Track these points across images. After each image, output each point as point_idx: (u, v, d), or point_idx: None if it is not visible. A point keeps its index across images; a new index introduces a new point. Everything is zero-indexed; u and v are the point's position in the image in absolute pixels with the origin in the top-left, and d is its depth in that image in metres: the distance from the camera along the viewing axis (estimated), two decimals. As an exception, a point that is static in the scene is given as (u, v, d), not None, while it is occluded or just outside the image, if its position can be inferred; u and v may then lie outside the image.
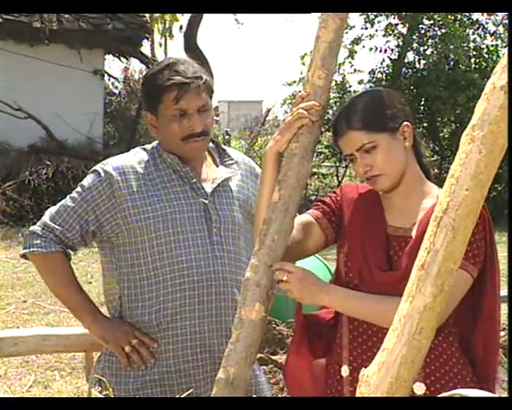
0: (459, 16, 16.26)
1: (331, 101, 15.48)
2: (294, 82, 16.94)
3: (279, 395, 4.65)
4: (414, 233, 2.54)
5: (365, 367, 2.52)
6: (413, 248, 2.47)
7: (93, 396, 2.51)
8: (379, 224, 2.60)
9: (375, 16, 16.64)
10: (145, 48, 18.36)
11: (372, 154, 2.50)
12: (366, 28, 16.89)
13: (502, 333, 5.86)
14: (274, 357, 4.86)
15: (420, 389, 2.51)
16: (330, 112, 15.92)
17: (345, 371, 2.61)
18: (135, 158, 3.04)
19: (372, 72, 17.07)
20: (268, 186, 2.50)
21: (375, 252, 2.56)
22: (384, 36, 16.98)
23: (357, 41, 16.79)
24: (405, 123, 2.55)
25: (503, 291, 6.78)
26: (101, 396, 2.41)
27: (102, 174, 2.98)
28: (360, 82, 16.99)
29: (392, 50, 17.06)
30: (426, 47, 16.97)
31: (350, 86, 16.87)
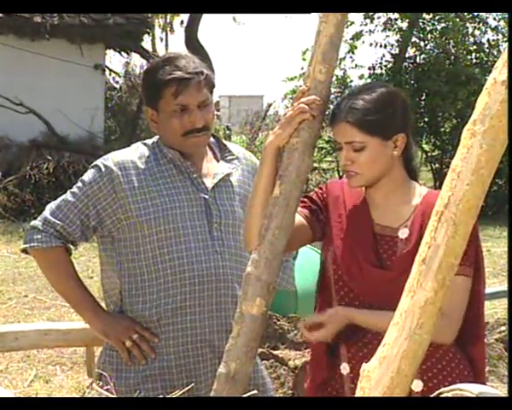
0: (459, 11, 16.24)
1: (332, 96, 15.47)
2: (295, 77, 16.93)
3: (280, 390, 4.65)
4: (400, 234, 2.56)
5: (361, 365, 2.55)
6: (410, 252, 2.49)
7: (94, 392, 2.51)
8: (365, 221, 2.62)
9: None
10: (146, 42, 18.36)
11: (358, 153, 2.52)
12: (366, 24, 16.88)
13: (502, 328, 5.86)
14: (275, 352, 4.85)
15: (417, 386, 2.51)
16: (331, 107, 15.89)
17: (344, 368, 2.63)
18: (135, 153, 3.04)
19: (372, 67, 17.06)
20: (265, 181, 2.50)
21: (362, 248, 2.58)
22: (384, 31, 16.96)
23: (357, 36, 16.78)
24: (400, 134, 2.56)
25: (504, 286, 6.77)
26: (102, 391, 2.41)
27: (103, 169, 2.98)
28: (361, 77, 16.97)
29: (392, 45, 17.04)
30: (426, 42, 16.95)
31: (351, 81, 16.87)
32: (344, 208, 2.64)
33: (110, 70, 18.16)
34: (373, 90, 2.60)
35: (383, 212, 2.61)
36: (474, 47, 16.79)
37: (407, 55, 17.07)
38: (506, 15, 15.84)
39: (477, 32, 16.85)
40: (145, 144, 3.08)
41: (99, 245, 3.09)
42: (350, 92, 2.65)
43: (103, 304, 3.12)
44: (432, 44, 16.84)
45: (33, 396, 5.20)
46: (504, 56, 1.81)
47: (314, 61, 2.43)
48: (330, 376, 2.67)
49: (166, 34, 21.35)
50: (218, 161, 3.10)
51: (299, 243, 2.66)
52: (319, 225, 2.65)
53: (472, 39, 16.83)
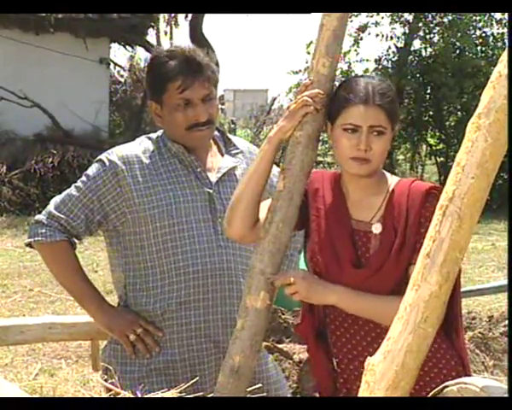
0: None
1: (337, 89, 15.42)
2: (300, 71, 16.94)
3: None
4: (374, 228, 2.51)
5: (349, 360, 2.54)
6: (384, 249, 2.47)
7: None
8: (344, 217, 2.55)
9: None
10: (151, 36, 18.33)
11: (377, 138, 2.46)
12: (372, 16, 16.85)
13: (507, 322, 5.86)
14: (279, 345, 4.86)
15: None
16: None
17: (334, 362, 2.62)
18: (140, 147, 3.04)
19: (378, 60, 17.05)
20: (261, 172, 2.48)
21: (344, 247, 2.52)
22: (390, 23, 16.94)
23: (362, 28, 16.77)
24: (398, 126, 2.56)
25: (504, 281, 6.77)
26: (108, 385, 2.41)
27: (107, 163, 2.98)
28: (366, 71, 16.96)
29: (398, 38, 17.02)
30: (432, 34, 16.92)
31: (355, 75, 16.84)
32: (323, 202, 2.58)
33: (115, 64, 18.17)
34: (385, 80, 2.57)
35: (358, 206, 2.55)
36: (480, 40, 16.77)
37: (413, 48, 17.06)
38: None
39: (483, 25, 16.82)
40: (149, 138, 3.08)
41: (105, 239, 3.09)
42: (372, 78, 2.53)
43: (109, 298, 3.12)
44: (438, 37, 16.82)
45: (39, 390, 5.21)
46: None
47: (317, 55, 2.43)
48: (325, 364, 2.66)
49: (171, 28, 21.29)
50: (222, 154, 3.10)
51: None
52: (301, 215, 2.56)
53: (478, 32, 16.80)
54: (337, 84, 2.55)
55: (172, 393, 2.20)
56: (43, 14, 14.64)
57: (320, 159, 16.56)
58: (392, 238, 2.48)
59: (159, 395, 2.19)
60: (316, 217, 2.58)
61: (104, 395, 2.44)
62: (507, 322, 5.73)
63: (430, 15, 16.66)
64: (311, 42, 16.22)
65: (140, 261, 2.97)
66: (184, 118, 2.94)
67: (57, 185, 13.07)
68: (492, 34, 16.81)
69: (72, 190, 3.02)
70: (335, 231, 2.54)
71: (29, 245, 3.07)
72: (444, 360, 2.52)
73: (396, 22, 16.88)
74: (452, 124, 17.00)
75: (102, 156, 3.02)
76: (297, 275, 2.48)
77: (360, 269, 2.50)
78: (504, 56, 1.81)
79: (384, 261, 2.46)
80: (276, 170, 2.75)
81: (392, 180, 2.57)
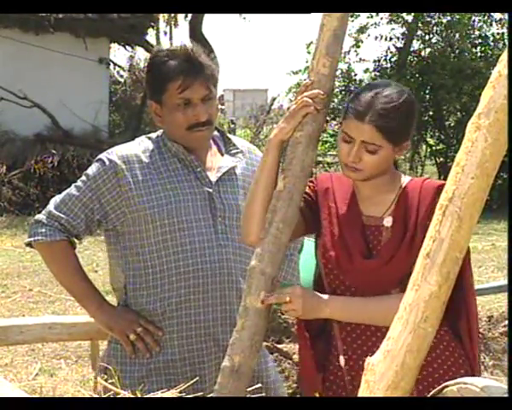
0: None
1: (336, 89, 15.45)
2: (300, 71, 16.94)
3: (284, 384, 4.66)
4: (385, 222, 2.56)
5: (358, 356, 2.55)
6: (394, 239, 2.51)
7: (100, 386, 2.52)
8: (355, 213, 2.61)
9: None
10: (150, 36, 18.35)
11: (370, 153, 2.49)
12: (371, 16, 16.85)
13: (507, 322, 5.86)
14: (279, 346, 4.86)
15: None
16: (336, 100, 15.91)
17: (341, 360, 2.62)
18: (140, 147, 3.04)
19: (377, 60, 17.05)
20: (267, 174, 2.50)
21: (355, 240, 2.57)
22: (389, 23, 16.94)
23: (362, 29, 16.77)
24: (408, 141, 2.56)
25: (504, 281, 6.77)
26: (108, 385, 2.42)
27: (107, 163, 2.98)
28: (366, 71, 16.98)
29: (398, 38, 17.03)
30: (431, 35, 16.92)
31: (355, 75, 16.87)
32: (333, 201, 2.63)
33: (114, 64, 18.17)
34: (400, 96, 2.52)
35: (369, 202, 2.61)
36: (480, 40, 16.76)
37: (412, 49, 17.06)
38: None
39: (482, 25, 16.81)
40: (149, 138, 3.08)
41: (105, 239, 3.10)
42: (377, 90, 2.51)
43: (108, 297, 3.13)
44: (437, 38, 16.82)
45: (38, 390, 5.21)
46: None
47: (318, 55, 2.43)
48: (328, 368, 2.67)
49: (171, 28, 21.31)
50: (222, 154, 3.10)
51: (292, 235, 2.64)
52: (313, 217, 2.64)
53: (477, 32, 16.80)
54: (337, 84, 2.56)
55: (172, 393, 2.21)
56: (43, 14, 14.63)
57: (320, 159, 16.57)
58: (403, 231, 2.52)
59: (159, 394, 2.19)
60: (327, 215, 2.63)
61: (103, 394, 2.44)
62: (507, 322, 5.73)
63: (429, 16, 16.65)
64: (311, 42, 16.22)
65: (140, 261, 2.97)
66: (184, 118, 2.95)
67: (57, 185, 13.06)
68: (492, 34, 16.80)
69: (72, 190, 3.02)
70: (346, 228, 2.59)
71: (29, 245, 3.07)
72: (452, 358, 2.55)
73: (395, 23, 16.87)
74: (452, 124, 17.00)
75: (102, 156, 3.02)
76: (294, 293, 2.48)
77: (371, 260, 2.53)
78: (504, 56, 1.81)
79: (395, 252, 2.51)
80: None
81: (405, 179, 2.63)
